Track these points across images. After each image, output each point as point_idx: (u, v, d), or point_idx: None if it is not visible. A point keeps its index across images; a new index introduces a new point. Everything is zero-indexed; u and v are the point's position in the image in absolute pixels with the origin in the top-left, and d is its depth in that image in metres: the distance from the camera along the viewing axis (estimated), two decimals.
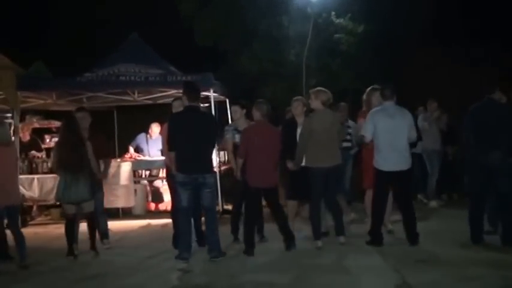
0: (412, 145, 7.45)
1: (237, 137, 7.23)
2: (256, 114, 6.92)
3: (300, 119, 7.30)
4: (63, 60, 13.65)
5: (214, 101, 10.21)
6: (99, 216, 7.27)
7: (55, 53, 14.40)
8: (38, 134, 11.60)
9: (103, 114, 12.65)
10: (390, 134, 6.77)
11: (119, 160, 10.06)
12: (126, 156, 10.39)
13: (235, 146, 7.23)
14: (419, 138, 9.09)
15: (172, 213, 7.13)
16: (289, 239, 6.85)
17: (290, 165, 7.12)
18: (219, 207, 9.43)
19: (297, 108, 7.41)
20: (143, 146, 10.68)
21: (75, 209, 6.84)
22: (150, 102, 11.35)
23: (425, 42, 14.63)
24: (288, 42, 12.68)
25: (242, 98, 8.72)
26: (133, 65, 10.01)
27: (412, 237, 6.83)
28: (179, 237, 6.59)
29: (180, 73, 9.81)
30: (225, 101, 11.11)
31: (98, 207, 7.17)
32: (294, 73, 12.50)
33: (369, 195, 7.51)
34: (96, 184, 7.05)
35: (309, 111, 7.24)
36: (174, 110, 7.12)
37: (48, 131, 11.95)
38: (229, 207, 9.74)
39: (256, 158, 6.72)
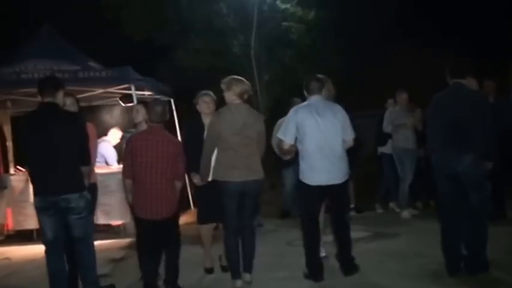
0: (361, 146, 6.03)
1: None
2: (147, 117, 5.21)
3: (207, 120, 5.58)
4: None
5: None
6: None
7: None
8: None
9: None
10: (319, 136, 5.22)
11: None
12: None
13: None
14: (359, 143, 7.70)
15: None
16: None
17: (196, 179, 5.48)
18: None
19: (203, 106, 5.73)
20: None
21: None
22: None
23: (392, 30, 13.23)
24: (230, 32, 11.14)
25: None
26: (45, 61, 8.55)
27: (347, 265, 5.37)
28: (51, 281, 4.77)
29: (99, 68, 8.40)
30: (169, 101, 9.75)
31: None
32: (242, 67, 10.97)
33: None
34: None
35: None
36: None
37: None
38: None
39: (142, 179, 4.98)
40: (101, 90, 8.74)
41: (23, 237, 8.28)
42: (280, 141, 5.37)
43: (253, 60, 10.55)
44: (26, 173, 8.61)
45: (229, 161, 5.15)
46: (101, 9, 11.56)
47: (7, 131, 10.26)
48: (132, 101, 8.24)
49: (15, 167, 9.21)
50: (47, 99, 4.75)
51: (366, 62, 11.73)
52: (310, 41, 11.54)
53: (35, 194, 4.70)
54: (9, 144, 10.20)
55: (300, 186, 5.39)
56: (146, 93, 8.95)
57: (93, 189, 5.38)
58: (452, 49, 14.03)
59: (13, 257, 7.37)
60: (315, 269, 5.32)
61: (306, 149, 5.26)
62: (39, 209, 4.69)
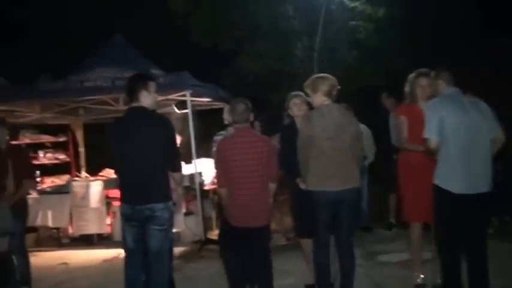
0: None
1: None
2: (230, 118, 4.96)
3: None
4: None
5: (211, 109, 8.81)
6: (18, 256, 5.63)
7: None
8: (33, 149, 10.63)
9: None
10: (465, 136, 4.47)
11: (92, 178, 8.77)
12: (99, 174, 9.05)
13: None
14: None
15: None
16: None
17: (303, 185, 5.00)
18: (201, 236, 7.86)
19: (294, 109, 5.39)
20: None
21: None
22: None
23: (469, 29, 12.19)
24: (295, 34, 10.83)
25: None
26: (110, 69, 8.71)
27: None
28: None
29: (160, 74, 8.43)
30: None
31: (15, 244, 5.51)
32: (303, 71, 10.64)
33: (414, 230, 5.32)
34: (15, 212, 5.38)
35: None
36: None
37: (44, 146, 10.96)
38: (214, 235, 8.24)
39: (236, 184, 4.72)
40: (161, 98, 8.79)
41: (85, 241, 8.50)
42: (427, 140, 4.57)
43: (315, 62, 10.16)
44: (87, 178, 8.98)
45: (323, 169, 4.71)
46: (170, 18, 11.75)
47: (80, 137, 10.70)
48: (186, 108, 8.23)
49: (86, 173, 9.53)
50: (134, 104, 4.55)
51: (436, 65, 10.89)
52: (377, 40, 11.02)
53: (122, 201, 4.60)
54: (82, 150, 10.64)
55: (438, 193, 4.60)
56: (204, 99, 8.89)
57: None
58: None
59: (71, 262, 7.54)
60: None
61: (448, 151, 4.51)
62: (124, 217, 4.57)
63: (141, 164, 4.45)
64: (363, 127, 8.16)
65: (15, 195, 5.54)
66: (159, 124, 4.55)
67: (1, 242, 5.23)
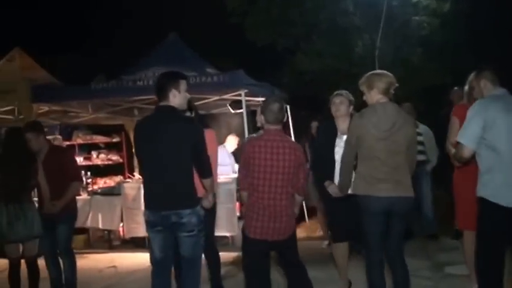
0: None
1: None
2: (262, 118, 4.51)
3: (343, 124, 4.87)
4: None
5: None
6: (63, 259, 5.46)
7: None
8: (87, 150, 10.77)
9: None
10: None
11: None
12: None
13: None
14: None
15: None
16: None
17: (331, 189, 4.64)
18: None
19: (332, 108, 5.00)
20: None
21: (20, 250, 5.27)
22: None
23: None
24: (355, 31, 10.37)
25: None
26: (165, 69, 8.44)
27: None
28: None
29: (214, 73, 8.16)
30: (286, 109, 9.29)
31: (62, 246, 5.39)
32: (364, 69, 10.15)
33: (468, 240, 4.88)
34: (56, 215, 5.26)
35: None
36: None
37: (98, 147, 10.97)
38: None
39: (259, 192, 4.32)
40: (216, 97, 8.51)
41: (136, 243, 8.31)
42: (459, 146, 4.07)
43: (377, 61, 9.65)
44: (139, 180, 8.80)
45: (373, 173, 4.25)
46: (226, 16, 11.57)
47: (133, 138, 10.59)
48: (241, 107, 7.88)
49: (140, 174, 9.39)
50: (162, 103, 4.24)
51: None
52: (442, 36, 10.39)
53: (145, 207, 4.30)
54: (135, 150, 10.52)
55: (485, 208, 4.08)
56: (260, 99, 8.57)
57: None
58: None
59: (120, 265, 7.35)
60: None
61: (497, 158, 3.97)
62: (148, 224, 4.27)
63: (165, 166, 4.12)
64: (423, 128, 7.62)
65: (62, 199, 5.35)
66: (185, 125, 4.23)
67: (30, 247, 5.25)
